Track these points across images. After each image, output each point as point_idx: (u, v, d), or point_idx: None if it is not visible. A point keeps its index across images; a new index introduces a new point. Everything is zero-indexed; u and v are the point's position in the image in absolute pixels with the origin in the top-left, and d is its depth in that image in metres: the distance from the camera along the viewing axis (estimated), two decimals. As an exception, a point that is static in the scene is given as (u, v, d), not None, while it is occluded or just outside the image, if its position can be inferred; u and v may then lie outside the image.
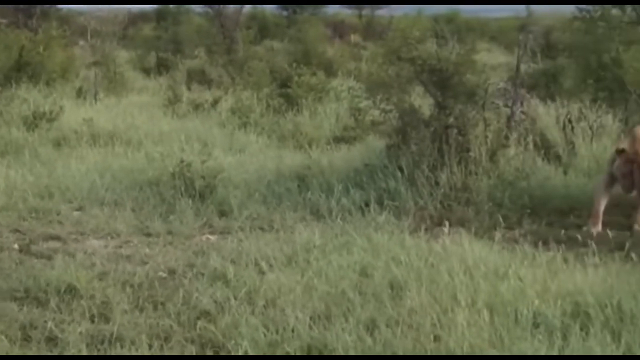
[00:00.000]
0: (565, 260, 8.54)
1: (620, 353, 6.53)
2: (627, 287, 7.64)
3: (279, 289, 8.18)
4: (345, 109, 17.97)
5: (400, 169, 12.01)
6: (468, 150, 12.10)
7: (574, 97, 14.63)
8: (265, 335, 7.23)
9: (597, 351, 6.54)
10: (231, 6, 30.92)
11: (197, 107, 20.13)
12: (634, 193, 10.73)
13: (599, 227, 10.47)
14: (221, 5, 30.67)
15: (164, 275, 8.97)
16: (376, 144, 14.12)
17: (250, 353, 6.93)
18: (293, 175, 12.91)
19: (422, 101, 13.48)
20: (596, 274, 8.16)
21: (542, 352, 6.64)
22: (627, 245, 9.16)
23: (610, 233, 9.80)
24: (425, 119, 12.54)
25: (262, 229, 10.80)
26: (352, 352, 6.85)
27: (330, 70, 22.74)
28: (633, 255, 8.64)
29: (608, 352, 6.53)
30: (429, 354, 6.82)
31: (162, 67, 28.62)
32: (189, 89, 22.98)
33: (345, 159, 13.92)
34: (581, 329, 6.96)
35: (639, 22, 14.27)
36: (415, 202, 11.42)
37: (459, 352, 6.78)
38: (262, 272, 8.73)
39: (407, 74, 12.89)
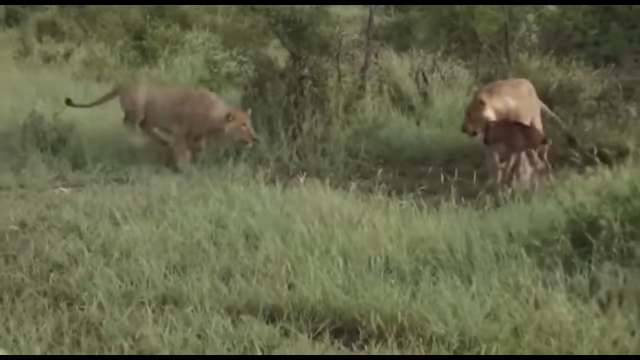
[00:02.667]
0: (419, 208, 8.66)
1: (469, 296, 6.68)
2: (477, 233, 7.80)
3: (134, 240, 8.12)
4: (201, 62, 17.76)
5: (257, 121, 11.98)
6: (323, 101, 12.14)
7: (427, 49, 14.81)
8: (120, 286, 7.21)
9: (447, 295, 6.68)
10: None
11: (48, 59, 19.62)
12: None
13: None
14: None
15: (15, 228, 8.78)
16: (232, 96, 14.03)
17: (105, 304, 6.87)
18: (148, 128, 12.72)
19: (278, 53, 13.45)
20: (448, 221, 8.31)
21: (394, 297, 6.74)
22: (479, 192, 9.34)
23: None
24: (281, 71, 12.52)
25: (117, 181, 10.71)
26: (207, 301, 6.87)
27: (185, 23, 22.37)
28: (484, 201, 8.82)
29: (457, 296, 6.68)
30: (283, 301, 6.88)
31: (12, 19, 27.67)
32: (40, 41, 22.34)
33: (202, 111, 13.77)
34: (432, 274, 7.09)
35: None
36: (271, 153, 11.43)
37: (312, 299, 6.86)
38: (116, 224, 8.64)
39: (262, 25, 12.84)
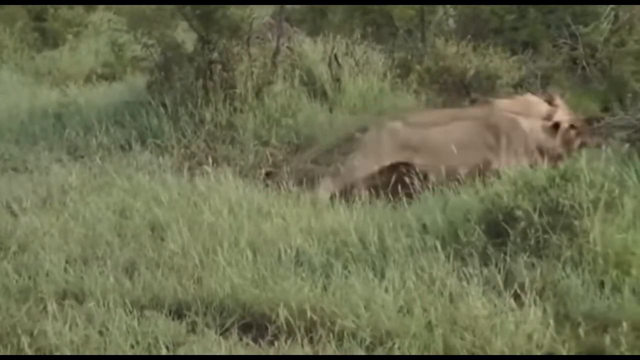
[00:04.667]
0: (330, 198, 8.51)
1: (382, 290, 6.56)
2: (391, 224, 7.67)
3: (33, 232, 7.91)
4: (106, 44, 17.33)
5: (164, 106, 11.68)
6: (233, 86, 11.89)
7: (342, 32, 14.62)
8: (17, 280, 7.01)
9: (360, 289, 6.55)
10: None
11: (-64, 42, 18.90)
12: None
13: None
14: None
15: None
16: (138, 80, 13.68)
17: (1, 300, 6.70)
18: (49, 114, 12.40)
19: (186, 36, 13.16)
20: (361, 211, 8.16)
21: (305, 291, 6.62)
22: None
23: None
24: (189, 54, 12.22)
25: (14, 169, 10.38)
26: (110, 296, 6.69)
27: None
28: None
29: (370, 289, 6.56)
30: (190, 296, 6.72)
31: None
32: None
33: (106, 96, 13.44)
34: (344, 267, 6.96)
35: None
36: (178, 141, 11.17)
37: (220, 294, 6.71)
38: (14, 215, 8.41)
39: (169, 7, 12.53)
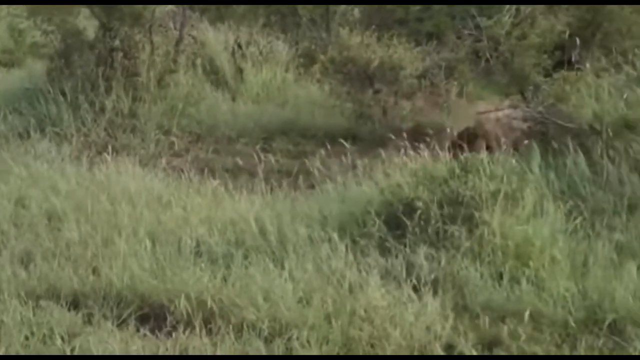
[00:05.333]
0: (231, 189, 8.44)
1: (282, 281, 6.52)
2: (291, 215, 7.67)
3: None
4: (5, 30, 16.97)
5: (63, 94, 11.46)
6: (135, 74, 11.72)
7: (246, 21, 14.52)
8: None
9: (259, 279, 6.52)
10: None
11: None
12: None
13: None
14: None
15: None
16: (38, 67, 13.41)
17: None
18: (-53, 101, 12.07)
19: (87, 23, 12.95)
20: (261, 202, 8.13)
21: (205, 281, 6.57)
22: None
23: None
24: (90, 42, 12.02)
25: None
26: (4, 286, 6.62)
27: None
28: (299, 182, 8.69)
29: (269, 280, 6.53)
30: (87, 286, 6.64)
31: None
32: None
33: (4, 83, 13.25)
34: (244, 257, 6.94)
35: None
36: (78, 129, 10.99)
37: (118, 284, 6.63)
38: None
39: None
